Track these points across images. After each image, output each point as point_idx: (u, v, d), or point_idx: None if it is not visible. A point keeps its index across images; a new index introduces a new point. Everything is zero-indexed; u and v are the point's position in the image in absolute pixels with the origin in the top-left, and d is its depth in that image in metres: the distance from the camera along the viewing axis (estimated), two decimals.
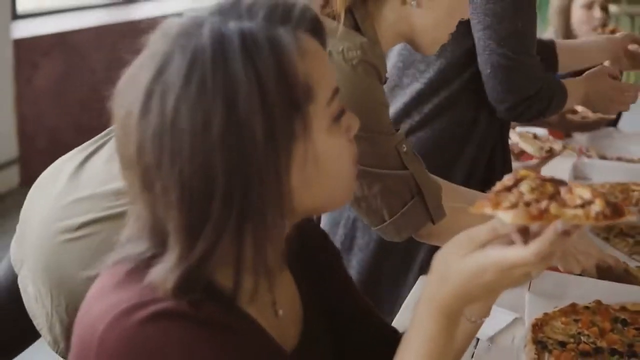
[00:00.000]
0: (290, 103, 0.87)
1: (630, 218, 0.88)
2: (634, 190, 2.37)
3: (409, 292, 1.76)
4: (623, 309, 1.57)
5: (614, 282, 1.72)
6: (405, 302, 1.69)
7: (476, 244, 0.90)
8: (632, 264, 1.85)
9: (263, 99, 0.85)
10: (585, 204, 0.87)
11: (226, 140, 0.84)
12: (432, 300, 0.93)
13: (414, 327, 0.95)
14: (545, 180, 0.92)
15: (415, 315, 0.95)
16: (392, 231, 1.51)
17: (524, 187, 0.90)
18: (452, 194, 1.67)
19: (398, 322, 1.53)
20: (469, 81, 1.90)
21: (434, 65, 1.89)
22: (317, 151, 0.91)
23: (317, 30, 0.94)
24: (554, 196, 0.90)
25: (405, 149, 1.48)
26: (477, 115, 1.94)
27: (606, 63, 2.25)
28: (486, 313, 1.10)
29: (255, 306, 0.96)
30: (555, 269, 1.71)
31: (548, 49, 2.19)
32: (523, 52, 1.86)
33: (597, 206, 0.86)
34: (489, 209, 0.88)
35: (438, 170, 1.69)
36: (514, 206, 0.87)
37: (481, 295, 0.93)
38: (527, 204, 0.88)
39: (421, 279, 1.80)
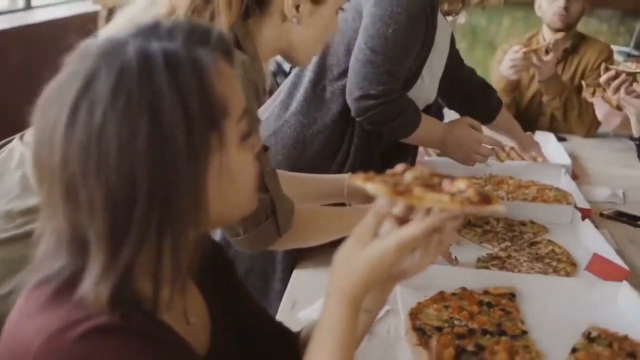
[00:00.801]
0: (208, 118, 0.96)
1: (499, 208, 1.02)
2: (474, 184, 2.58)
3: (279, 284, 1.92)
4: (486, 292, 1.75)
5: (476, 270, 1.91)
6: (284, 299, 1.80)
7: (370, 233, 1.04)
8: (482, 252, 2.05)
9: (185, 114, 0.93)
10: (458, 193, 1.02)
11: (151, 150, 0.91)
12: (341, 293, 1.05)
13: (325, 322, 1.06)
14: (434, 174, 1.07)
15: (325, 311, 1.07)
16: (245, 246, 1.63)
17: (408, 175, 1.05)
18: (302, 186, 1.86)
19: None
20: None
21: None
22: (230, 164, 1.00)
23: (229, 53, 1.04)
24: (434, 186, 1.04)
25: (268, 170, 1.59)
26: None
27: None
28: (383, 304, 1.22)
29: (169, 315, 1.02)
30: None
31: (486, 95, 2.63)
32: (382, 53, 2.03)
33: (467, 194, 1.01)
34: (360, 181, 1.03)
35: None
36: (384, 182, 1.02)
37: (387, 278, 1.08)
38: (397, 185, 1.03)
39: (294, 272, 1.92)
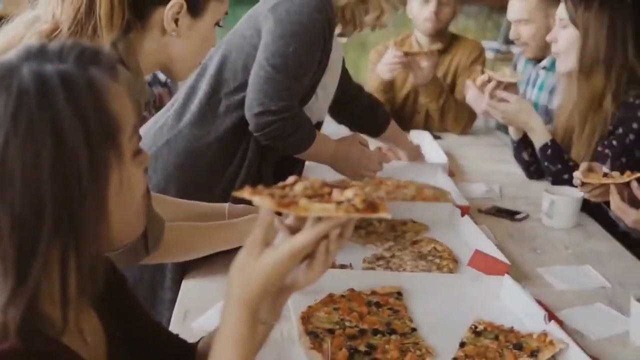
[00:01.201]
0: (107, 135, 1.00)
1: (385, 215, 1.08)
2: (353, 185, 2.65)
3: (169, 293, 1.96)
4: (374, 293, 1.81)
5: (362, 271, 1.96)
6: (175, 309, 1.80)
7: (259, 244, 1.09)
8: (367, 253, 2.11)
9: (86, 133, 0.96)
10: (346, 201, 1.08)
11: (55, 171, 0.94)
12: (239, 302, 1.09)
13: (224, 331, 1.10)
14: (325, 184, 1.12)
15: (224, 320, 1.10)
16: (115, 260, 1.63)
17: (298, 186, 1.10)
18: (186, 212, 1.92)
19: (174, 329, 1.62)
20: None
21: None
22: (128, 180, 1.04)
23: (117, 70, 1.07)
24: (323, 195, 1.09)
25: None
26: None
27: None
28: (278, 315, 1.25)
29: (67, 336, 1.02)
30: None
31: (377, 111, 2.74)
32: (283, 71, 2.11)
33: (355, 202, 1.06)
34: (247, 194, 1.08)
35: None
36: (271, 195, 1.07)
37: (281, 288, 1.13)
38: (284, 197, 1.07)
39: (184, 282, 1.93)
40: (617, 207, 2.07)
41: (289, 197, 1.07)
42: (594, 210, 2.51)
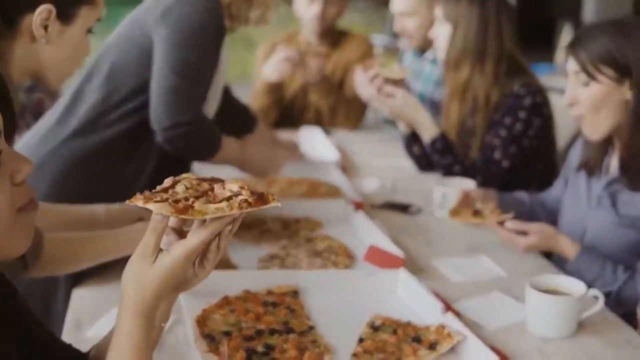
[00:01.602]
0: None
1: (275, 204, 1.11)
2: None
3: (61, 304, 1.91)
4: (270, 292, 1.80)
5: (258, 271, 1.95)
6: (67, 318, 1.75)
7: (152, 249, 1.10)
8: (262, 253, 2.09)
9: None
10: (233, 196, 1.08)
11: None
12: (134, 309, 1.10)
13: (120, 339, 1.10)
14: (203, 179, 1.12)
15: (119, 327, 1.11)
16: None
17: (179, 187, 1.11)
18: (62, 216, 1.88)
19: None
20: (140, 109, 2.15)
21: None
22: None
23: None
24: (207, 193, 1.10)
25: None
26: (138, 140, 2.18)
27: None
28: (168, 316, 1.25)
29: None
30: None
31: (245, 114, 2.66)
32: (189, 81, 2.10)
33: (243, 196, 1.07)
34: (140, 202, 1.08)
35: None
36: (163, 201, 1.07)
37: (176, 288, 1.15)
38: (177, 201, 1.08)
39: (74, 291, 1.88)
40: (505, 238, 2.10)
41: (182, 203, 1.07)
42: None
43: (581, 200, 2.18)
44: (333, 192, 2.58)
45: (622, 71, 1.96)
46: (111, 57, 2.19)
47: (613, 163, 2.10)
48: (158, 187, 1.12)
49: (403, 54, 3.53)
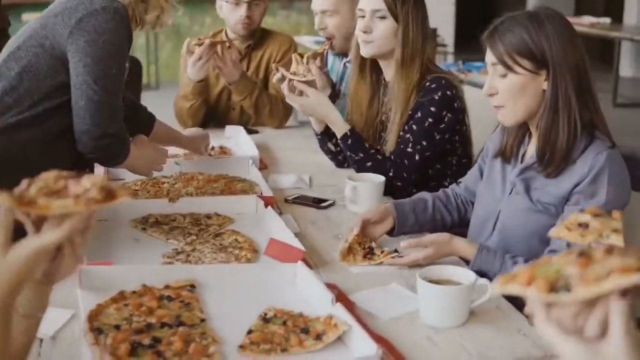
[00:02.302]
0: None
1: (124, 199, 1.17)
2: (163, 183, 2.68)
3: None
4: (167, 287, 1.83)
5: (156, 266, 1.98)
6: None
7: (3, 243, 1.14)
8: (169, 248, 2.13)
9: None
10: (85, 192, 1.13)
11: None
12: None
13: None
14: (60, 176, 1.16)
15: None
16: None
17: (32, 189, 1.16)
18: None
19: None
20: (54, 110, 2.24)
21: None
22: None
23: None
24: (60, 190, 1.14)
25: None
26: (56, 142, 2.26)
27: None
28: (43, 308, 1.27)
29: None
30: (104, 263, 1.91)
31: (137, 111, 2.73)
32: (113, 94, 2.22)
33: (92, 192, 1.12)
34: None
35: None
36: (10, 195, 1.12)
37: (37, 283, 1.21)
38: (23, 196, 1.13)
39: None
40: (406, 263, 2.11)
41: (26, 196, 1.12)
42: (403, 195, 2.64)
43: (496, 187, 2.23)
44: (248, 188, 2.62)
45: (538, 62, 2.02)
46: (19, 62, 2.22)
47: (529, 151, 2.16)
48: (15, 190, 1.15)
49: (328, 53, 3.56)
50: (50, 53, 2.21)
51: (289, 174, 2.86)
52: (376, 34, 2.69)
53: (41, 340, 1.65)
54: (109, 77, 2.23)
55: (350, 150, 2.71)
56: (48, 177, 1.18)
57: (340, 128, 2.76)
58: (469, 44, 6.29)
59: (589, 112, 2.02)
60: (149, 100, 3.57)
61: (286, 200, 2.58)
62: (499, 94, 2.07)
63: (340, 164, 2.97)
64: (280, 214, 2.40)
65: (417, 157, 2.64)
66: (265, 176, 2.78)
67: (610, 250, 0.97)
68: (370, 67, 2.82)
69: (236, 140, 3.24)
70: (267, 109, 3.54)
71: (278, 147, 3.31)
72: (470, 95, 2.86)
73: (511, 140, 2.19)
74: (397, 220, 2.26)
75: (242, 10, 3.48)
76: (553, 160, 2.05)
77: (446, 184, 2.72)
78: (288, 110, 3.59)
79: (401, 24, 2.65)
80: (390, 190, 2.60)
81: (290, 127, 3.68)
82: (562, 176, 2.04)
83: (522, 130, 2.18)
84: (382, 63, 2.79)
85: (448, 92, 2.62)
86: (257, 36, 3.61)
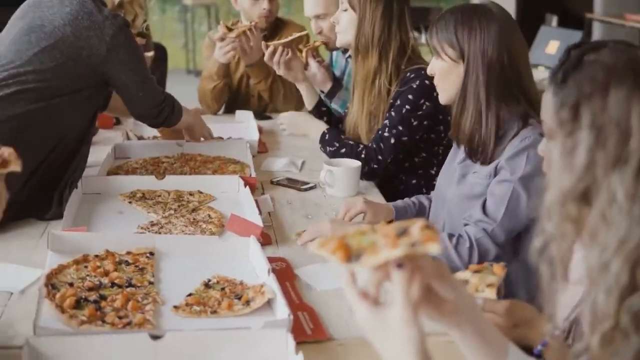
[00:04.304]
0: None
1: (15, 168, 1.39)
2: (163, 162, 2.92)
3: None
4: (128, 253, 2.05)
5: (122, 233, 2.21)
6: None
7: None
8: (146, 221, 2.35)
9: None
10: None
11: None
12: None
13: None
14: None
15: None
16: None
17: None
18: None
19: None
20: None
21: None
22: None
23: None
24: None
25: None
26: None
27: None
28: None
29: None
30: (78, 229, 2.15)
31: None
32: (151, 79, 2.68)
33: None
34: None
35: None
36: None
37: None
38: None
39: None
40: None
41: None
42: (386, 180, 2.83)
43: (449, 174, 2.40)
44: (239, 170, 2.83)
45: (457, 54, 2.22)
46: (54, 61, 2.45)
47: None
48: None
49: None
50: (86, 62, 2.47)
51: (283, 157, 3.06)
52: (341, 24, 2.90)
53: (11, 293, 1.90)
54: (146, 70, 2.66)
55: (327, 144, 2.89)
56: None
57: (318, 133, 2.97)
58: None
59: (519, 105, 2.17)
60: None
61: (271, 182, 2.78)
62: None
63: None
64: (263, 194, 2.60)
65: (392, 141, 2.77)
66: (262, 159, 2.99)
67: (425, 227, 1.14)
68: None
69: (246, 124, 3.46)
70: (281, 95, 3.74)
71: (282, 131, 3.48)
72: None
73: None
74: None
75: (265, 4, 3.69)
76: (474, 148, 2.22)
77: (433, 172, 2.87)
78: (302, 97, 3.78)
79: (358, 15, 2.84)
80: (371, 176, 2.81)
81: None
82: (493, 162, 2.20)
83: None
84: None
85: (426, 82, 2.72)
86: (272, 25, 3.81)
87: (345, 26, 2.89)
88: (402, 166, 2.90)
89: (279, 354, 1.60)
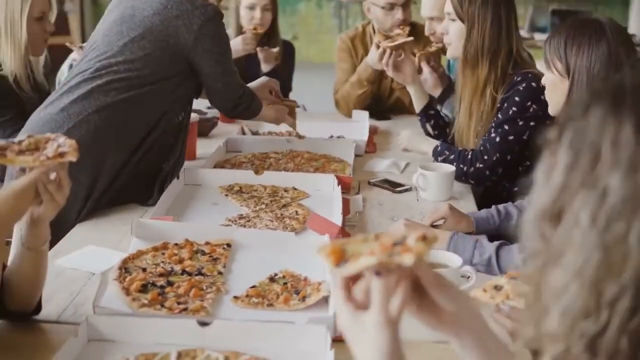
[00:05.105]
0: None
1: (72, 158, 1.51)
2: (270, 157, 3.03)
3: None
4: (207, 243, 2.16)
5: (201, 224, 2.32)
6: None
7: None
8: (237, 213, 2.46)
9: None
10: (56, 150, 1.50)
11: None
12: None
13: None
14: (50, 138, 1.53)
15: None
16: None
17: (25, 142, 1.52)
18: None
19: None
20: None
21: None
22: None
23: None
24: (37, 148, 1.52)
25: None
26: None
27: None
28: (44, 240, 1.65)
29: None
30: (165, 218, 2.29)
31: None
32: (234, 72, 2.78)
33: (49, 152, 1.49)
34: None
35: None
36: None
37: (31, 221, 1.56)
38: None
39: None
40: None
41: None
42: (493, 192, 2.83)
43: None
44: (340, 169, 2.90)
45: (566, 68, 2.24)
46: (144, 50, 2.59)
47: None
48: (10, 140, 1.52)
49: None
50: (173, 49, 2.60)
51: (388, 158, 3.10)
52: (450, 35, 2.88)
53: (93, 274, 2.05)
54: (228, 65, 2.73)
55: (439, 154, 2.87)
56: (40, 138, 1.54)
57: (431, 147, 2.97)
58: None
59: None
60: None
61: (369, 182, 2.83)
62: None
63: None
64: (357, 193, 2.67)
65: (497, 139, 2.75)
66: (368, 159, 3.06)
67: (421, 237, 1.18)
68: None
69: (362, 123, 3.52)
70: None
71: (398, 133, 3.51)
72: None
73: None
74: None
75: (399, 14, 3.73)
76: None
77: None
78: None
79: (467, 25, 2.81)
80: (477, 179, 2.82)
81: None
82: None
83: None
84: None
85: (533, 84, 2.70)
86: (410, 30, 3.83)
87: (453, 37, 2.89)
88: (507, 173, 2.87)
89: (319, 350, 1.66)
